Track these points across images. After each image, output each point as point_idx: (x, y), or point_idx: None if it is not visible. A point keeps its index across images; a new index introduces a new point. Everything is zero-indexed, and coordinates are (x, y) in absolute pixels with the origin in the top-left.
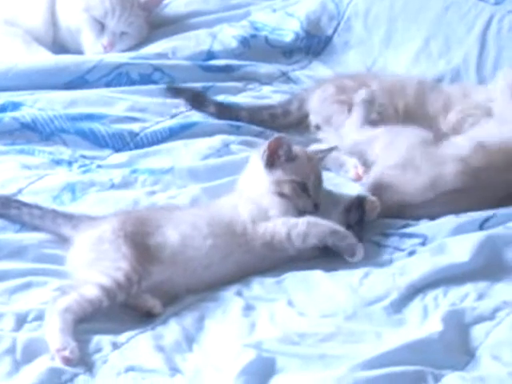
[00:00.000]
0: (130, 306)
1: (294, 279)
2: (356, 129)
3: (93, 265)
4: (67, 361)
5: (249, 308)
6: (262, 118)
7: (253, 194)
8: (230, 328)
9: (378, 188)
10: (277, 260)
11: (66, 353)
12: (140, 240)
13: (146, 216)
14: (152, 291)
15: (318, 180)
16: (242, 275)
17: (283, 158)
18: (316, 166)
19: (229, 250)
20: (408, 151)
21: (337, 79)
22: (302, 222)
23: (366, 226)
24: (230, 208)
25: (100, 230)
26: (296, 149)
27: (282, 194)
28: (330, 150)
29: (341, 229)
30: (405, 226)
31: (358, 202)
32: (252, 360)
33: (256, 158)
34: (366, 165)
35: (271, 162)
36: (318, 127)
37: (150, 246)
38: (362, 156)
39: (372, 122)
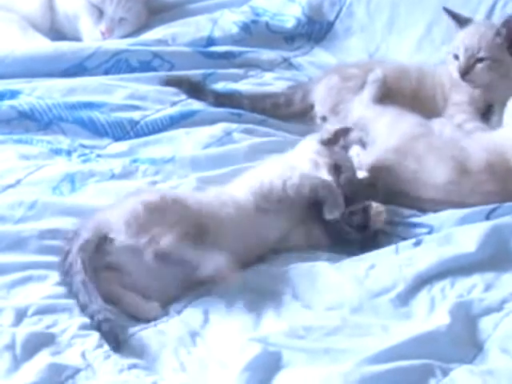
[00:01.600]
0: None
1: (299, 271)
2: (365, 105)
3: None
4: None
5: (253, 301)
6: (264, 106)
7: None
8: (235, 322)
9: (378, 170)
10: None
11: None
12: None
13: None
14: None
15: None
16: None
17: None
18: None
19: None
20: (410, 139)
21: (341, 68)
22: (295, 175)
23: (373, 234)
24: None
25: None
26: None
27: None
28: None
29: (332, 184)
30: (411, 216)
31: (363, 207)
32: (257, 355)
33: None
34: (366, 142)
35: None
36: (324, 119)
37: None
38: (363, 130)
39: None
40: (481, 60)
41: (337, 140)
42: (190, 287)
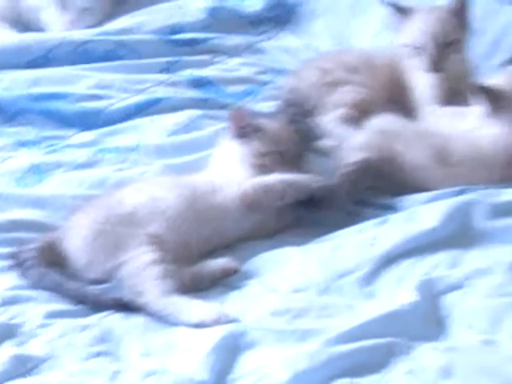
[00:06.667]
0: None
1: (265, 256)
2: None
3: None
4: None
5: (217, 288)
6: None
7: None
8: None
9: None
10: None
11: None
12: None
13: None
14: None
15: (298, 149)
16: None
17: (250, 129)
18: (293, 136)
19: None
20: None
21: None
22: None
23: None
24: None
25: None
26: (263, 121)
27: (262, 166)
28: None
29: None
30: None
31: None
32: (222, 337)
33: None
34: None
35: (241, 134)
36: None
37: None
38: None
39: None
40: (449, 44)
41: (240, 124)
42: None
